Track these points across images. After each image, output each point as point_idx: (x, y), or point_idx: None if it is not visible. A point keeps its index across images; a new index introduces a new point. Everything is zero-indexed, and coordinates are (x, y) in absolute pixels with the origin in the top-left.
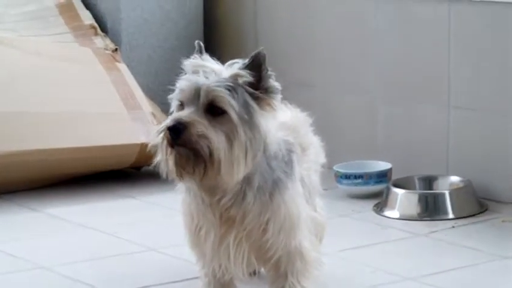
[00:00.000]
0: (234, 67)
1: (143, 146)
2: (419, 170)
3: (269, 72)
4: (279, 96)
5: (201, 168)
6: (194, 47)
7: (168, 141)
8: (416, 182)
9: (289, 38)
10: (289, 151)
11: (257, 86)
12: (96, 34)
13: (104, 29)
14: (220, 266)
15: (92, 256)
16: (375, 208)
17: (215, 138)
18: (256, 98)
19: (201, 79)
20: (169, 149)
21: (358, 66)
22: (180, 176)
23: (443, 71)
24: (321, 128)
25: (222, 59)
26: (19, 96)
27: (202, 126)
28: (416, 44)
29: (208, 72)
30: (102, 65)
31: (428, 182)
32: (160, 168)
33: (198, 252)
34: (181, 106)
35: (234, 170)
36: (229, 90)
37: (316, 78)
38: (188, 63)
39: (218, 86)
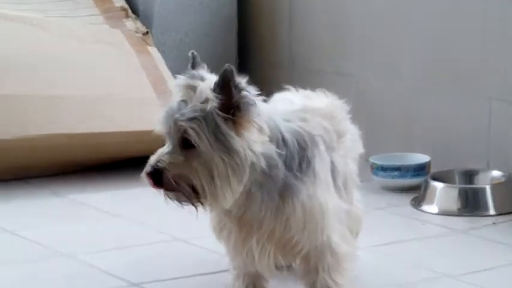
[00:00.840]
0: (207, 88)
1: None
2: (459, 164)
3: (240, 86)
4: (255, 108)
5: (195, 203)
6: (229, 30)
7: (152, 185)
8: (456, 175)
9: (324, 25)
10: (304, 146)
11: (229, 106)
12: (127, 16)
13: (135, 12)
14: (245, 263)
15: (117, 245)
16: (413, 202)
17: (193, 174)
18: (229, 120)
19: (173, 110)
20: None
21: (395, 54)
22: (182, 205)
23: (484, 62)
24: (356, 118)
25: (254, 41)
26: (47, 79)
27: (177, 167)
28: (456, 33)
29: (189, 96)
30: (133, 48)
31: (469, 176)
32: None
33: (225, 246)
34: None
35: (221, 198)
36: (198, 120)
37: (352, 66)
38: (175, 84)
39: (185, 120)
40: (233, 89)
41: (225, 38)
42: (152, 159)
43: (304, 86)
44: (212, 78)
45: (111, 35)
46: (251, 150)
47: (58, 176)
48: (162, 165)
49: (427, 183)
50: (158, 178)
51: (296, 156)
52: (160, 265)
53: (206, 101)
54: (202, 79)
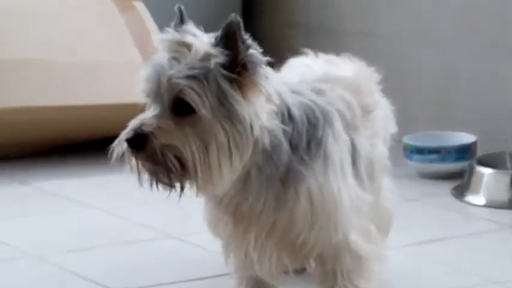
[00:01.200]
0: (206, 43)
1: None
2: (511, 145)
3: (247, 42)
4: (264, 70)
5: (176, 182)
6: None
7: (130, 153)
8: (508, 159)
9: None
10: (315, 123)
11: (234, 63)
12: None
13: None
14: (245, 265)
15: (96, 243)
16: (454, 192)
17: (184, 145)
18: (234, 81)
19: (164, 67)
20: (135, 160)
21: (434, 12)
22: (157, 187)
23: None
24: (386, 89)
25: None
26: (9, 41)
27: (167, 133)
28: None
29: (181, 53)
30: (115, 3)
31: None
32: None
33: (221, 243)
34: (147, 98)
35: (216, 179)
36: (197, 79)
37: (381, 26)
38: (161, 39)
39: (182, 77)
40: (240, 43)
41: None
42: (134, 122)
43: (322, 50)
44: (204, 36)
45: None
46: (258, 119)
47: (21, 159)
48: (148, 130)
49: (472, 169)
50: (140, 144)
51: (304, 135)
52: (150, 267)
53: (206, 57)
54: (194, 35)
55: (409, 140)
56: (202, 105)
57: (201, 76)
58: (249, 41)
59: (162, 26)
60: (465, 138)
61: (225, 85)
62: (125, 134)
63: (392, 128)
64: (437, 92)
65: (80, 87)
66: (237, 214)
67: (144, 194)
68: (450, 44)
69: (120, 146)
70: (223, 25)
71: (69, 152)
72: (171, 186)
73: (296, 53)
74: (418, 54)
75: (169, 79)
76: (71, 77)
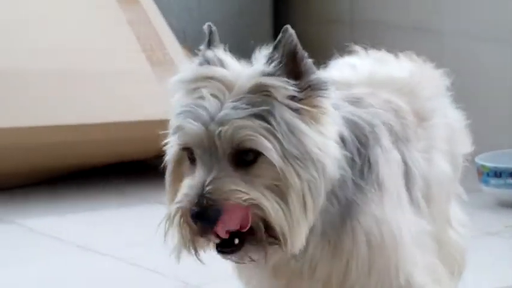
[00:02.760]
0: (257, 72)
1: None
2: None
3: (309, 62)
4: (328, 92)
5: (257, 253)
6: None
7: (194, 231)
8: None
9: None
10: (365, 143)
11: (296, 92)
12: None
13: None
14: None
15: None
16: None
17: (265, 204)
18: (299, 112)
19: (211, 110)
20: (195, 237)
21: (506, 4)
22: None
23: None
24: (452, 97)
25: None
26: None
27: (244, 194)
28: None
29: (219, 89)
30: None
31: None
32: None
33: None
34: (189, 151)
35: (298, 235)
36: (261, 118)
37: (445, 21)
38: (185, 77)
39: (243, 118)
40: (302, 63)
41: None
42: (191, 191)
43: (372, 47)
44: (234, 64)
45: None
46: (329, 152)
47: (7, 192)
48: (218, 197)
49: None
50: (211, 222)
51: (357, 159)
52: None
53: (262, 88)
54: (222, 65)
55: (483, 160)
56: (274, 149)
57: (265, 113)
58: (309, 59)
59: (175, 23)
60: None
61: (294, 118)
62: (181, 205)
63: (464, 146)
64: None
65: (70, 103)
66: (281, 270)
67: (149, 234)
68: None
69: (178, 226)
70: (277, 43)
71: (49, 184)
72: (263, 254)
73: (341, 51)
74: (488, 52)
75: (227, 123)
76: (61, 90)
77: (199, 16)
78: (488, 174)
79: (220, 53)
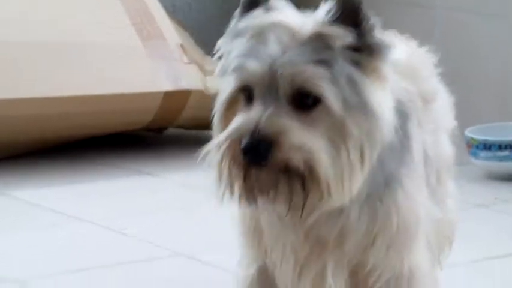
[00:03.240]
0: (318, 21)
1: (167, 96)
2: None
3: (372, 21)
4: (391, 55)
5: (297, 196)
6: None
7: (239, 163)
8: None
9: None
10: (404, 116)
11: (357, 45)
12: None
13: None
14: None
15: (89, 264)
16: None
17: (317, 148)
18: (361, 67)
19: (275, 53)
20: (237, 171)
21: None
22: (254, 202)
23: None
24: (443, 72)
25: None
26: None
27: (297, 134)
28: None
29: (280, 35)
30: None
31: None
32: (215, 187)
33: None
34: (247, 92)
35: (346, 188)
36: (325, 64)
37: None
38: (246, 24)
39: (306, 62)
40: (364, 21)
41: None
42: (244, 123)
43: None
44: (296, 13)
45: None
46: (387, 114)
47: None
48: (272, 132)
49: None
50: (264, 154)
51: (399, 132)
52: None
53: (326, 37)
54: (285, 14)
55: (473, 133)
56: (334, 96)
57: (327, 60)
58: (373, 18)
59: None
60: None
61: (353, 71)
62: (231, 136)
63: (451, 120)
64: (508, 75)
65: (59, 75)
66: (310, 237)
67: (142, 204)
68: None
69: (223, 152)
70: None
71: (46, 155)
72: (280, 203)
73: None
74: (481, 24)
75: (291, 65)
76: (48, 63)
77: None
78: (477, 147)
79: (282, 2)
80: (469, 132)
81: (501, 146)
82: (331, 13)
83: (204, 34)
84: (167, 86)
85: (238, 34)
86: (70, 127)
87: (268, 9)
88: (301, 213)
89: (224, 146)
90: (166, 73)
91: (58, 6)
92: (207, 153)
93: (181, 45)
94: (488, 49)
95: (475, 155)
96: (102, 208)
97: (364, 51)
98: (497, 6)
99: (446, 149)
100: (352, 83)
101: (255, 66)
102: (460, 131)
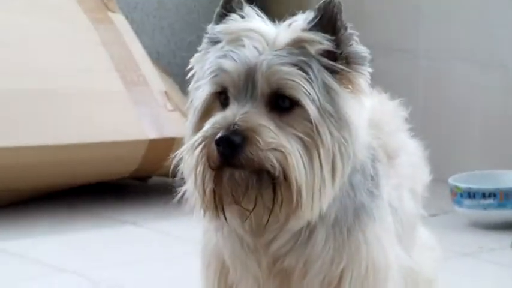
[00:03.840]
0: (296, 28)
1: (152, 144)
2: None
3: (349, 31)
4: (367, 69)
5: (267, 200)
6: None
7: (212, 160)
8: None
9: None
10: (373, 159)
11: (334, 53)
12: None
13: None
14: None
15: None
16: None
17: (290, 150)
18: (336, 75)
19: (252, 53)
20: (210, 174)
21: (485, 24)
22: (221, 212)
23: None
24: (428, 121)
25: (276, 2)
26: None
27: (272, 133)
28: None
29: (257, 40)
30: (87, 16)
31: None
32: (191, 201)
33: None
34: (223, 96)
35: (316, 200)
36: (301, 68)
37: (420, 41)
38: (223, 27)
39: (283, 64)
40: (342, 30)
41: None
42: (222, 119)
43: None
44: (269, 21)
45: None
46: (360, 125)
47: None
48: (251, 126)
49: None
50: (236, 150)
51: (371, 167)
52: None
53: (303, 42)
54: (262, 21)
55: (457, 181)
56: (309, 99)
57: (303, 64)
58: (351, 28)
59: (149, 43)
60: None
61: (328, 78)
62: (207, 133)
63: (424, 176)
64: (490, 122)
65: (44, 123)
66: (275, 268)
67: (126, 254)
68: (506, 62)
69: (201, 148)
70: (320, 4)
71: (30, 204)
72: (250, 209)
73: None
74: (464, 74)
75: (269, 66)
76: (32, 110)
77: (173, 36)
78: (461, 195)
79: (253, 11)
80: (453, 181)
81: (485, 194)
82: (309, 20)
83: (189, 81)
84: (152, 134)
85: (213, 42)
86: (53, 176)
87: (242, 18)
88: (267, 219)
89: (200, 146)
90: (151, 120)
91: (42, 52)
92: (180, 159)
93: (166, 92)
94: (470, 97)
95: (459, 203)
96: (85, 259)
97: (341, 60)
98: (479, 54)
99: (408, 204)
100: (328, 90)
101: (231, 67)
102: (444, 179)
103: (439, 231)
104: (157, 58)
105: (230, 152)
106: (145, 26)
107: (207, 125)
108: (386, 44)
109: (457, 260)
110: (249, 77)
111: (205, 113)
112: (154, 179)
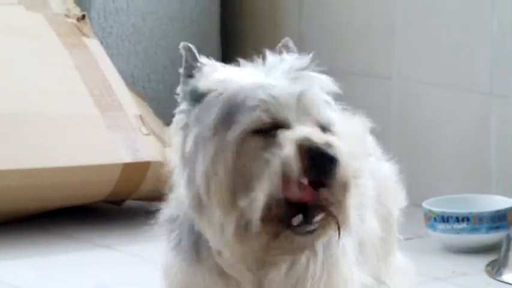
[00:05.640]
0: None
1: (126, 168)
2: None
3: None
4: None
5: (328, 229)
6: (207, 12)
7: (304, 176)
8: None
9: (349, 5)
10: None
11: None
12: None
13: None
14: None
15: None
16: (489, 268)
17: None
18: None
19: (298, 84)
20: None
21: (461, 46)
22: (276, 237)
23: None
24: (400, 143)
25: (245, 27)
26: None
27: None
28: None
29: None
30: (61, 41)
31: None
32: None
33: None
34: (270, 126)
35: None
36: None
37: (394, 65)
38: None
39: (326, 101)
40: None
41: (201, 22)
42: (307, 138)
43: None
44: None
45: (29, 20)
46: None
47: None
48: (335, 151)
49: (510, 240)
50: (334, 167)
51: None
52: None
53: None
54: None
55: (431, 205)
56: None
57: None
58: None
59: (124, 67)
60: (501, 202)
61: None
62: (303, 143)
63: (398, 202)
64: (464, 146)
65: (17, 146)
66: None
67: (100, 277)
68: (481, 86)
69: (295, 161)
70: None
71: (4, 227)
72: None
73: None
74: (438, 97)
75: (318, 98)
76: (5, 135)
77: (148, 60)
78: (435, 219)
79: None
80: (427, 205)
81: (458, 219)
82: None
83: (163, 105)
84: (126, 158)
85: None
86: (26, 200)
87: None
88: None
89: (299, 156)
90: (125, 144)
91: (15, 76)
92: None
93: (140, 116)
94: (444, 121)
95: (432, 227)
96: (59, 281)
97: None
98: (453, 79)
99: (372, 226)
100: None
101: (280, 93)
102: (418, 203)
103: (413, 255)
104: (132, 82)
105: (329, 169)
106: (120, 51)
107: (289, 139)
108: (360, 68)
109: (430, 284)
110: (302, 104)
111: (240, 156)
112: (129, 203)
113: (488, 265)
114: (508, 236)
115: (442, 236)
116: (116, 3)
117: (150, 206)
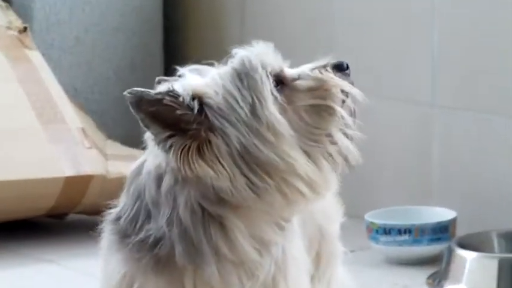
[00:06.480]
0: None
1: (68, 181)
2: (499, 223)
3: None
4: None
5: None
6: (151, 25)
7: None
8: (495, 240)
9: (295, 20)
10: None
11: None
12: None
13: None
14: None
15: None
16: (430, 281)
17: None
18: None
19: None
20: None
21: (401, 57)
22: None
23: None
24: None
25: (189, 42)
26: None
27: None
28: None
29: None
30: (3, 53)
31: None
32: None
33: None
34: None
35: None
36: None
37: None
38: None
39: None
40: None
41: (144, 34)
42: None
43: None
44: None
45: None
46: None
47: None
48: None
49: (451, 252)
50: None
51: None
52: None
53: None
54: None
55: (373, 217)
56: None
57: None
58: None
59: (66, 80)
60: (442, 214)
61: None
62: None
63: (338, 215)
64: (405, 158)
65: None
66: None
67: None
68: (424, 98)
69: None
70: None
71: None
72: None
73: None
74: (383, 109)
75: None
76: None
77: (90, 71)
78: (377, 232)
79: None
80: (369, 217)
81: (400, 231)
82: None
83: (106, 118)
84: (68, 171)
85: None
86: None
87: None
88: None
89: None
90: (67, 158)
91: None
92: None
93: (83, 129)
94: (385, 133)
95: (374, 239)
96: None
97: None
98: (394, 89)
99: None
100: None
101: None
102: (360, 215)
103: (355, 268)
104: (74, 95)
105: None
106: (62, 63)
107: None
108: None
109: None
110: None
111: None
112: (71, 217)
113: (429, 277)
114: (449, 248)
115: (384, 248)
116: (58, 15)
117: (92, 219)
